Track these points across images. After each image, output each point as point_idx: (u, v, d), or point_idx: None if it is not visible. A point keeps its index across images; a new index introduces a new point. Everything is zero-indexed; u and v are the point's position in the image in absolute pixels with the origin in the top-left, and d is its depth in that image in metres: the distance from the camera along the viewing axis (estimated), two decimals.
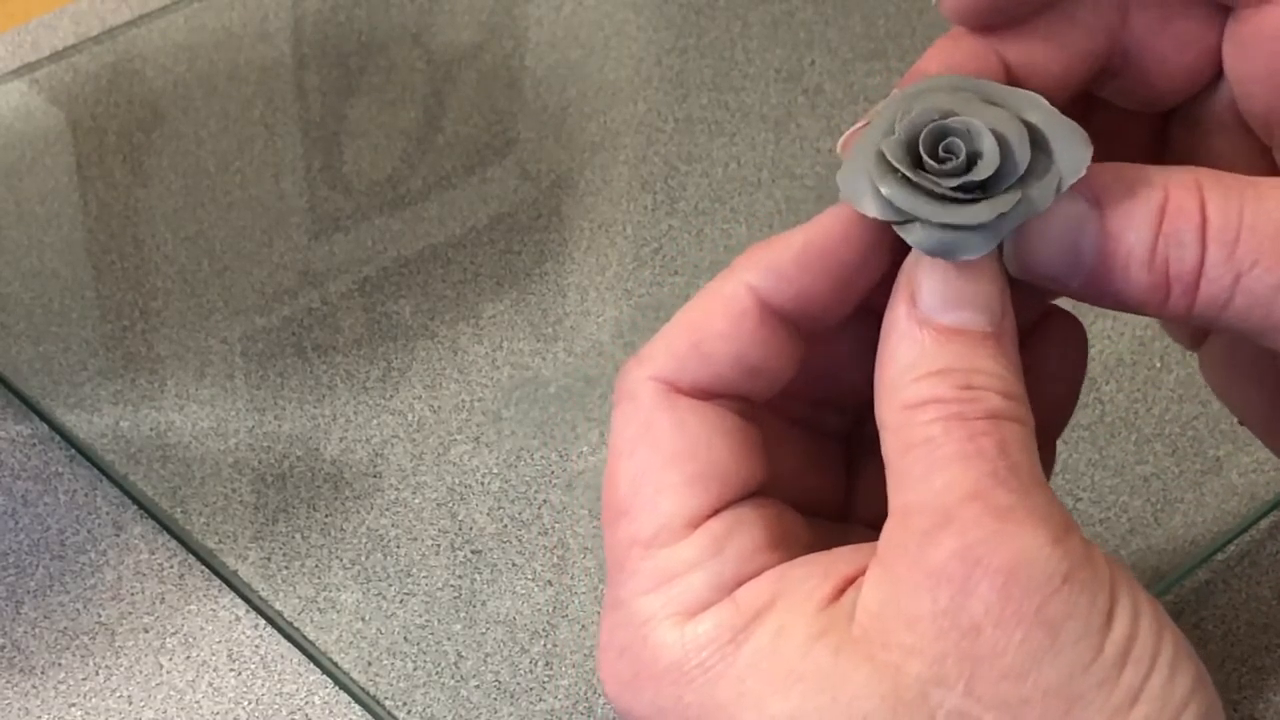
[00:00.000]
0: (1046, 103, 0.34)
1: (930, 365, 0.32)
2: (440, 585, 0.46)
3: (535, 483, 0.49)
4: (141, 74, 0.61)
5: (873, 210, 0.33)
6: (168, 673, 0.44)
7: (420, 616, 0.45)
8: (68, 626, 0.45)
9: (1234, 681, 0.45)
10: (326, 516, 0.48)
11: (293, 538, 0.47)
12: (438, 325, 0.53)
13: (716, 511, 0.33)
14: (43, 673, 0.44)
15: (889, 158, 0.32)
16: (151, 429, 0.50)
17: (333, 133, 0.60)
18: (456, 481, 0.49)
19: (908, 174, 0.32)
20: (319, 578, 0.46)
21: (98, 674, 0.44)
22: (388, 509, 0.48)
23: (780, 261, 0.33)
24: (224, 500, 0.48)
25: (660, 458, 0.33)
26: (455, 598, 0.46)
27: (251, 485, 0.48)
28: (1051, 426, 0.37)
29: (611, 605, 0.34)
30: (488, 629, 0.45)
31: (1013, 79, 0.35)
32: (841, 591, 0.32)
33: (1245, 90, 0.36)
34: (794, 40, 0.64)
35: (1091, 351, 0.52)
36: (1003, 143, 0.32)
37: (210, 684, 0.44)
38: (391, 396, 0.51)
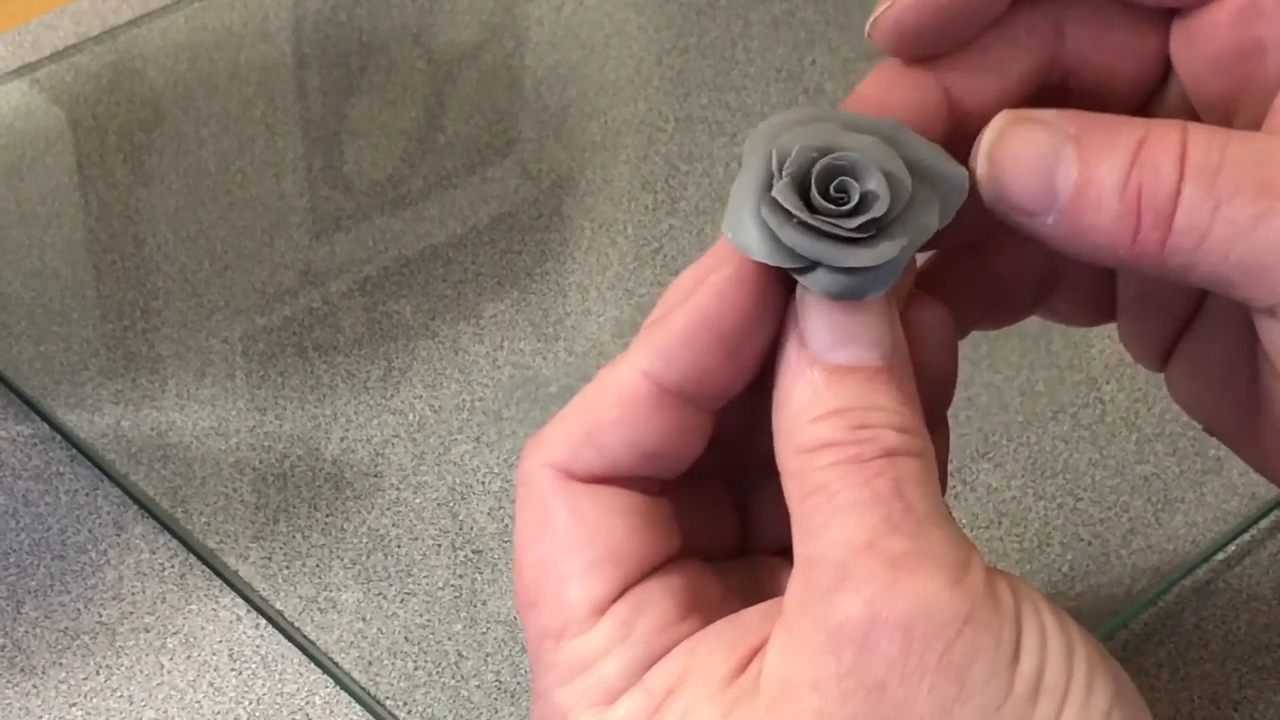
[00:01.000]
0: (908, 129, 0.33)
1: (824, 406, 0.32)
2: (441, 585, 0.46)
3: None
4: (142, 74, 0.61)
5: (772, 259, 0.32)
6: (169, 673, 0.44)
7: (421, 616, 0.45)
8: (69, 626, 0.45)
9: (1234, 681, 0.45)
10: (327, 516, 0.48)
11: (293, 537, 0.47)
12: (438, 325, 0.53)
13: (622, 593, 0.33)
14: (44, 672, 0.44)
15: (784, 203, 0.32)
16: (152, 429, 0.50)
17: (333, 132, 0.60)
18: (457, 481, 0.49)
19: (806, 219, 0.31)
20: (320, 577, 0.46)
21: (99, 674, 0.44)
22: (388, 509, 0.48)
23: (667, 342, 0.33)
24: (225, 500, 0.48)
25: (559, 547, 0.33)
26: (456, 597, 0.46)
27: (252, 485, 0.48)
28: (939, 404, 0.37)
29: (536, 696, 0.34)
30: (489, 629, 0.45)
31: (954, 105, 0.35)
32: (748, 662, 0.32)
33: (1200, 83, 0.36)
34: (795, 40, 0.64)
35: (1091, 351, 0.52)
36: (888, 175, 0.32)
37: (211, 684, 0.44)
38: (392, 396, 0.51)
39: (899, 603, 0.30)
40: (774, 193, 0.32)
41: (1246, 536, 0.48)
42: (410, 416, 0.50)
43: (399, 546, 0.47)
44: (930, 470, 0.32)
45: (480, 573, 0.46)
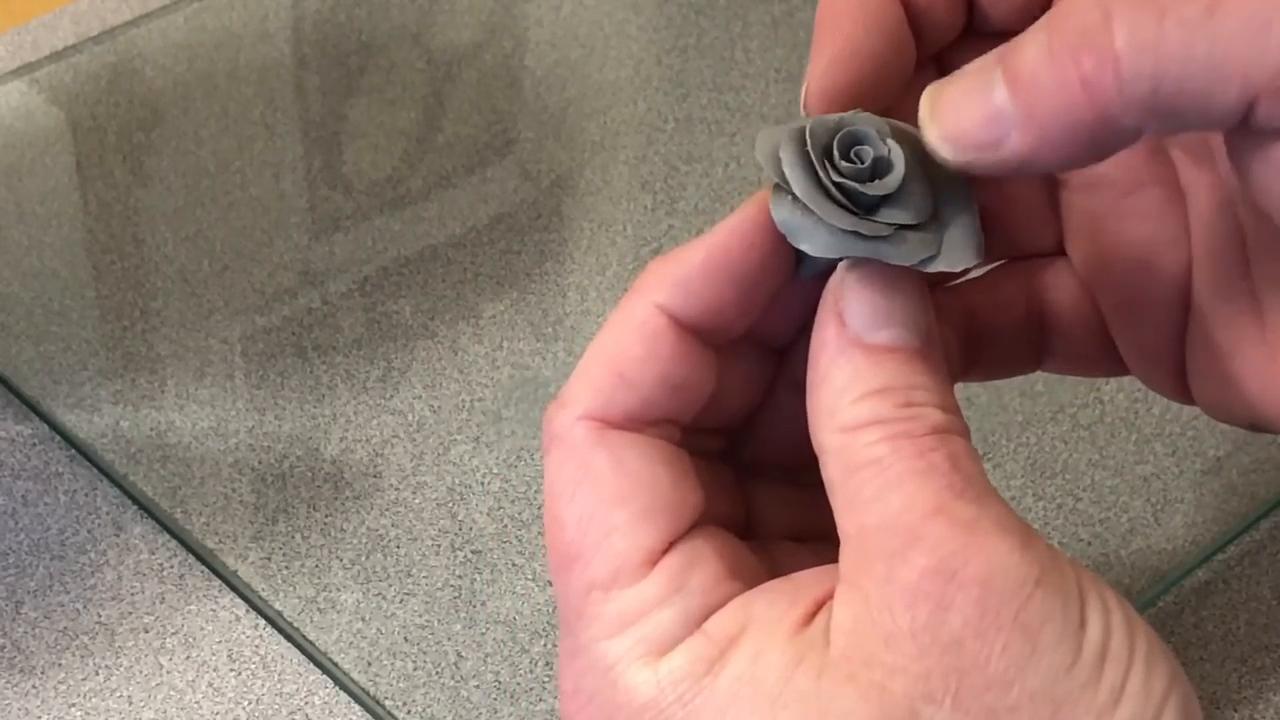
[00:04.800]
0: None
1: (867, 385, 0.32)
2: (440, 585, 0.46)
3: (535, 483, 0.49)
4: (141, 74, 0.61)
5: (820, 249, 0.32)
6: (168, 673, 0.44)
7: (420, 616, 0.45)
8: (68, 626, 0.45)
9: (1234, 681, 0.45)
10: (326, 516, 0.48)
11: (293, 538, 0.47)
12: (438, 325, 0.53)
13: (671, 545, 0.33)
14: (43, 673, 0.44)
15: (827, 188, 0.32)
16: (151, 429, 0.50)
17: (333, 133, 0.60)
18: (457, 481, 0.49)
19: (832, 179, 0.32)
20: (319, 578, 0.46)
21: (98, 674, 0.44)
22: (388, 509, 0.48)
23: (686, 276, 0.33)
24: (224, 500, 0.48)
25: (604, 498, 0.33)
26: (455, 598, 0.46)
27: (251, 485, 0.48)
28: None
29: (571, 653, 0.33)
30: (488, 629, 0.45)
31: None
32: (813, 615, 0.32)
33: None
34: (794, 40, 0.64)
35: None
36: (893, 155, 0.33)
37: (210, 684, 0.44)
38: (391, 396, 0.51)
39: (974, 562, 0.30)
40: (823, 179, 0.33)
41: (1246, 537, 0.48)
42: (409, 417, 0.50)
43: (398, 547, 0.47)
44: (974, 450, 0.32)
45: (480, 573, 0.46)
